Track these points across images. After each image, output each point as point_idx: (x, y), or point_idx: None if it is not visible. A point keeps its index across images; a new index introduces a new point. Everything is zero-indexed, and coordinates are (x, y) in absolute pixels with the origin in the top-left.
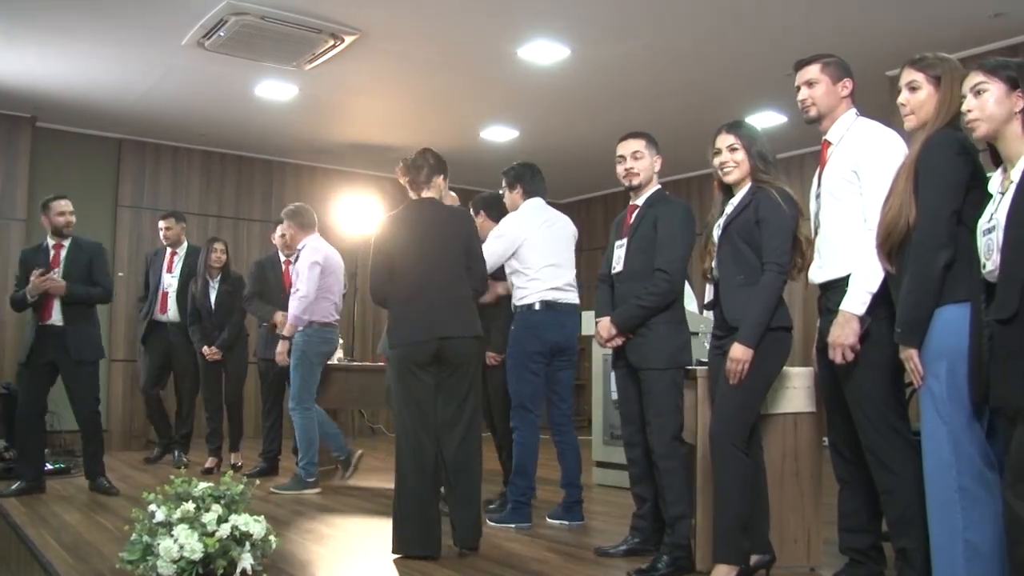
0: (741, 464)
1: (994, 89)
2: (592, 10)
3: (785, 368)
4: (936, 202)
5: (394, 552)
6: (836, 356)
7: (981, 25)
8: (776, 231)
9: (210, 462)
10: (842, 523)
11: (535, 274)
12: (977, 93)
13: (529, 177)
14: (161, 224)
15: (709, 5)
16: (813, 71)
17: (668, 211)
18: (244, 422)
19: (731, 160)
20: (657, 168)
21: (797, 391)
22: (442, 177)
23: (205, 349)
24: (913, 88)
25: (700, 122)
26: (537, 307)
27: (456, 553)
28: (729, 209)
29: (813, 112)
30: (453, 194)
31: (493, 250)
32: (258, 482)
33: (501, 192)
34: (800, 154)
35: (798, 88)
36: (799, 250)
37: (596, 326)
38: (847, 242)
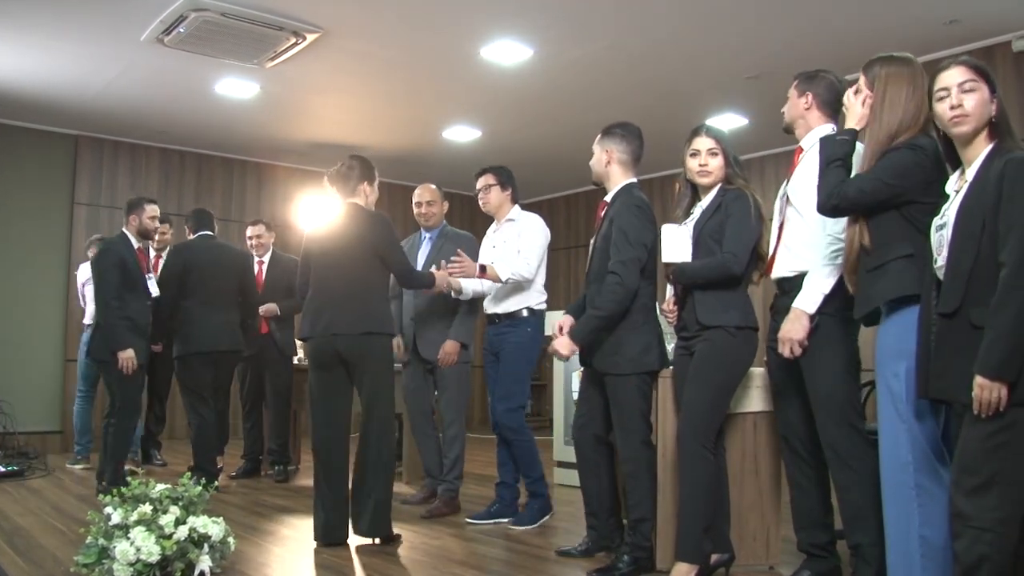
0: (708, 464)
1: (983, 90)
2: (555, 11)
3: None
4: None
5: (315, 539)
6: (785, 350)
7: (936, 31)
8: (739, 226)
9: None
10: (798, 522)
11: (541, 280)
12: (967, 91)
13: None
14: (161, 227)
15: (672, 7)
16: (792, 86)
17: (622, 207)
18: (228, 425)
19: (710, 163)
20: (604, 161)
21: (757, 391)
22: (367, 183)
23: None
24: (857, 90)
25: (663, 124)
26: (541, 314)
27: (417, 552)
28: (698, 213)
29: (784, 123)
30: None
31: (540, 254)
32: (217, 483)
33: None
34: (760, 156)
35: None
36: (759, 258)
37: (554, 341)
38: (806, 244)
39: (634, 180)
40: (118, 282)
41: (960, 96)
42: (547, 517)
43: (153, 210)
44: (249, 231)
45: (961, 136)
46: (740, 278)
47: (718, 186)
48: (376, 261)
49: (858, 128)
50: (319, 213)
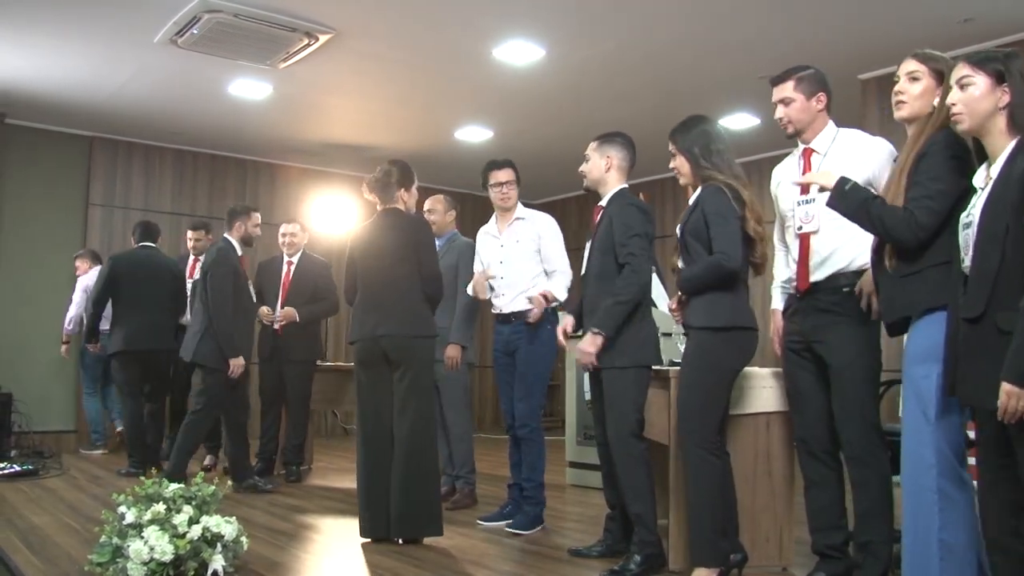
0: (711, 466)
1: (979, 83)
2: (566, 11)
3: (756, 368)
4: None
5: (360, 535)
6: (877, 304)
7: (951, 30)
8: (720, 222)
9: (209, 460)
10: (813, 523)
11: None
12: (963, 87)
13: None
14: (190, 235)
15: (683, 7)
16: (787, 89)
17: (620, 209)
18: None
19: (674, 166)
20: (604, 167)
21: (769, 391)
22: (404, 189)
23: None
24: (914, 78)
25: (673, 124)
26: (555, 310)
27: (428, 551)
28: None
29: (790, 129)
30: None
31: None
32: (230, 483)
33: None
34: (772, 156)
35: (775, 105)
36: (753, 246)
37: (579, 345)
38: (846, 243)
39: (626, 186)
40: (231, 290)
41: (955, 95)
42: (539, 528)
43: (257, 218)
44: (283, 228)
45: (964, 133)
46: (738, 274)
47: (700, 185)
48: (417, 264)
49: None
50: (359, 219)
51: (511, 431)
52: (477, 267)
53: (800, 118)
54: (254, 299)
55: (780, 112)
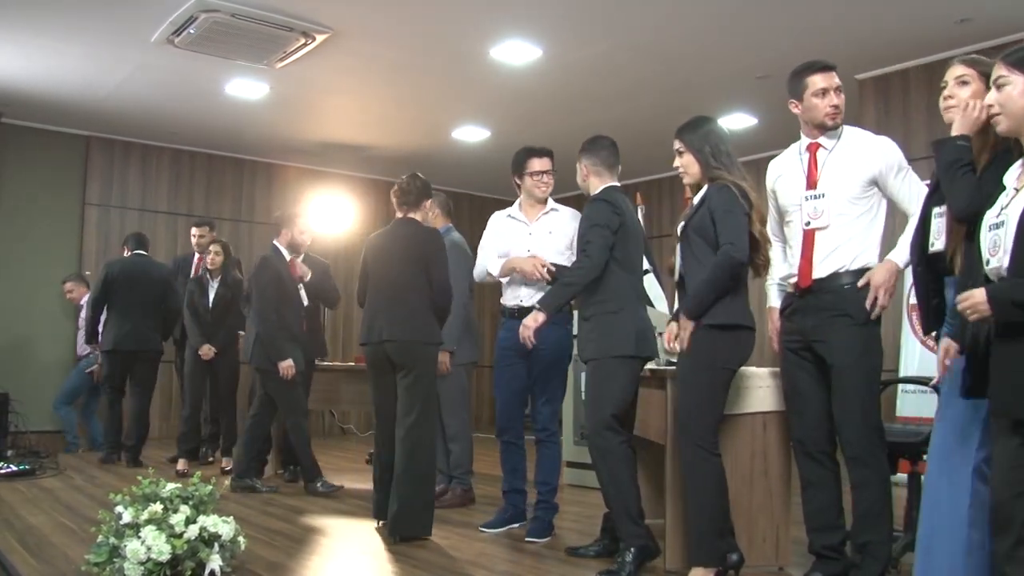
0: (709, 465)
1: (1017, 82)
2: (564, 11)
3: (753, 368)
4: None
5: (374, 516)
6: (883, 299)
7: (948, 30)
8: (726, 216)
9: (181, 464)
10: (810, 523)
11: None
12: (999, 87)
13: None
14: (194, 232)
15: (682, 6)
16: (837, 78)
17: (587, 207)
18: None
19: (680, 164)
20: (583, 176)
21: (766, 391)
22: (429, 200)
23: (204, 348)
24: (963, 83)
25: (671, 123)
26: None
27: (426, 551)
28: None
29: (839, 119)
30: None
31: None
32: (227, 482)
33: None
34: (769, 156)
35: (824, 92)
36: (757, 247)
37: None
38: (849, 240)
39: (613, 184)
40: (276, 296)
41: (991, 96)
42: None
43: (303, 224)
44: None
45: (1003, 134)
46: (745, 268)
47: (706, 184)
48: (426, 274)
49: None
50: (356, 219)
51: (502, 436)
52: (491, 246)
53: (843, 110)
54: (305, 302)
55: (837, 100)
